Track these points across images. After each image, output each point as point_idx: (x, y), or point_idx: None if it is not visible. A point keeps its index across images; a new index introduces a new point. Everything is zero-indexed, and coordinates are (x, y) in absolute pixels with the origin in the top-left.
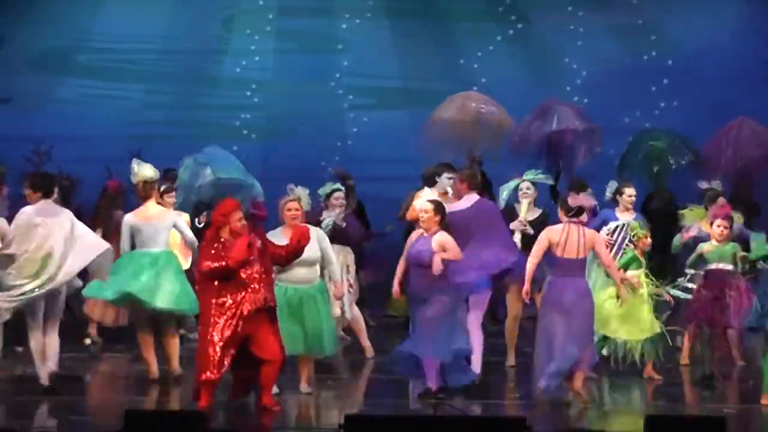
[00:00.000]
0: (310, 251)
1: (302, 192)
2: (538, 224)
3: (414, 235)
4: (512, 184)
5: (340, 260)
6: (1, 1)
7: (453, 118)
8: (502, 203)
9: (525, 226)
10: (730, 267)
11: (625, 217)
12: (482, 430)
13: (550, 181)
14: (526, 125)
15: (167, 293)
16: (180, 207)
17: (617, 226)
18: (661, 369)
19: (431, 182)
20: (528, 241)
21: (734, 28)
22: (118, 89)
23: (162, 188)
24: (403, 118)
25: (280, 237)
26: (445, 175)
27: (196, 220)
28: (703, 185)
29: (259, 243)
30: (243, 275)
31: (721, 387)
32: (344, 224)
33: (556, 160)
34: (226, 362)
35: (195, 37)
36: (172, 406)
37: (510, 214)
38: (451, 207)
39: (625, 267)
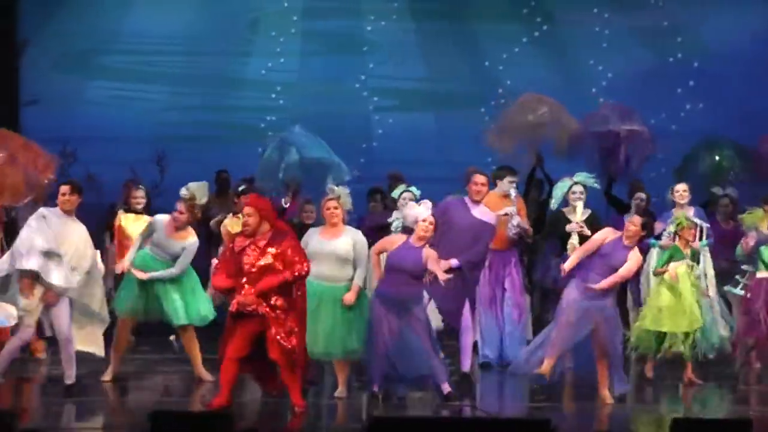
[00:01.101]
0: (342, 248)
1: (342, 191)
2: (589, 225)
3: (389, 242)
4: (564, 185)
5: None
6: (28, 3)
7: (523, 121)
8: (555, 204)
9: (582, 227)
10: None
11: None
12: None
13: (598, 186)
14: (586, 127)
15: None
16: (262, 185)
17: None
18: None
19: (494, 185)
20: (584, 242)
21: (761, 29)
22: (144, 91)
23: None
24: (427, 120)
25: (318, 235)
26: (507, 178)
27: (282, 200)
28: (719, 191)
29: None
30: (239, 274)
31: (747, 390)
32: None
33: (610, 165)
34: (227, 360)
35: (220, 39)
36: (198, 408)
37: (557, 217)
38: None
39: (668, 260)
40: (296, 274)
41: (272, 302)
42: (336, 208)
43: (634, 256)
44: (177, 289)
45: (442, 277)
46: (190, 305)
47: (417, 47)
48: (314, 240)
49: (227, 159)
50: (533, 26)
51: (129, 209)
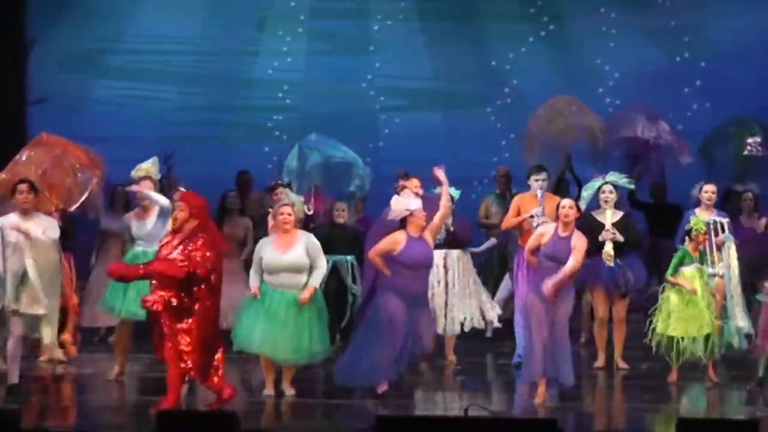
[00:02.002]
0: (298, 257)
1: (296, 198)
2: (622, 227)
3: (394, 242)
4: (595, 184)
5: (461, 263)
6: (35, 3)
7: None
8: (584, 204)
9: (614, 234)
10: None
11: (705, 215)
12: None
13: (632, 185)
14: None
15: None
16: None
17: None
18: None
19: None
20: (618, 247)
21: None
22: (152, 90)
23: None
24: (434, 120)
25: (269, 243)
26: (533, 177)
27: (305, 207)
28: (739, 188)
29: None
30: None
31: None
32: (452, 228)
33: (638, 170)
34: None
35: (227, 39)
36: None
37: (587, 221)
38: None
39: (678, 264)
40: (188, 270)
41: (169, 302)
42: (290, 214)
43: (578, 242)
44: None
45: None
46: None
47: (424, 47)
48: (268, 252)
49: (234, 158)
50: (540, 26)
51: None
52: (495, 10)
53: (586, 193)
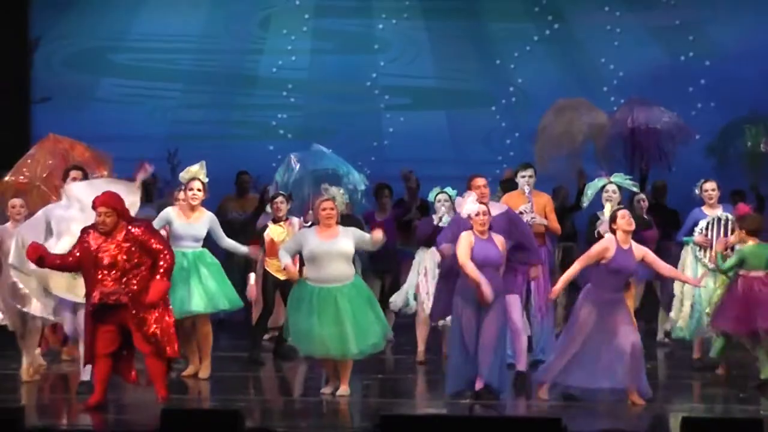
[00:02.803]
0: (346, 245)
1: (337, 191)
2: None
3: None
4: (598, 183)
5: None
6: (40, 2)
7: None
8: (586, 202)
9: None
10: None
11: (712, 212)
12: (518, 430)
13: (636, 189)
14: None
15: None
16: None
17: (708, 223)
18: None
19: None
20: None
21: None
22: (156, 89)
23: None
24: (439, 119)
25: (313, 235)
26: (519, 173)
27: (301, 219)
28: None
29: (128, 238)
30: (95, 267)
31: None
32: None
33: (642, 160)
34: (99, 358)
35: (232, 37)
36: (210, 405)
37: (591, 220)
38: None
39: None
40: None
41: (132, 290)
42: (332, 209)
43: (642, 250)
44: (209, 275)
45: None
46: (221, 291)
47: (428, 46)
48: (313, 242)
49: (238, 157)
50: (545, 25)
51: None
52: (499, 9)
53: (590, 192)
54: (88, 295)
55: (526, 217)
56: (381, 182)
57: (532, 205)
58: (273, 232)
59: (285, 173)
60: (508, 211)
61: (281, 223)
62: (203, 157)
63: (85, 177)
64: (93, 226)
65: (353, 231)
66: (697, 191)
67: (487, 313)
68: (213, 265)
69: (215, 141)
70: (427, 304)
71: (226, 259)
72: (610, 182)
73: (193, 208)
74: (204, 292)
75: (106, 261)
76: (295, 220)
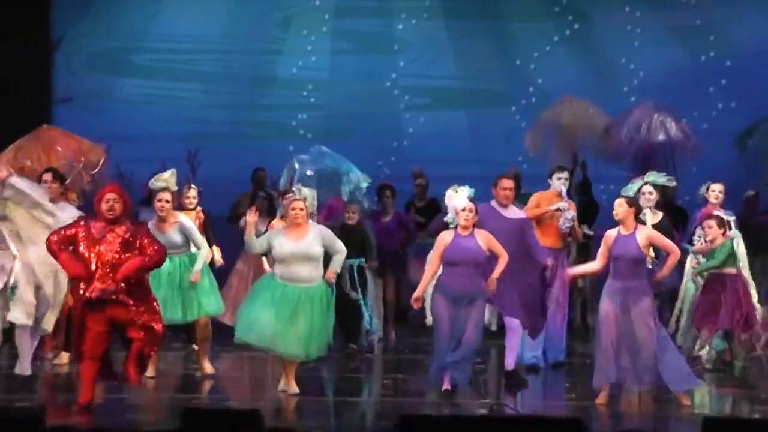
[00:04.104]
0: (313, 248)
1: (309, 192)
2: (662, 228)
3: (448, 236)
4: (635, 185)
5: None
6: (61, 2)
7: (565, 122)
8: None
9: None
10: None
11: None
12: (537, 430)
13: (673, 183)
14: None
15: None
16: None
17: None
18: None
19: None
20: (656, 249)
21: None
22: (176, 89)
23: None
24: (459, 119)
25: (281, 235)
26: (555, 175)
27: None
28: None
29: (130, 235)
30: (92, 262)
31: None
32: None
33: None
34: (88, 360)
35: (252, 38)
36: (230, 405)
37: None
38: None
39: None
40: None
41: (130, 289)
42: (302, 209)
43: (646, 232)
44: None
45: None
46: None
47: (448, 46)
48: (280, 242)
49: (258, 157)
50: (565, 25)
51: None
52: (519, 9)
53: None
54: (81, 288)
55: (567, 214)
56: (383, 183)
57: (567, 205)
58: (276, 226)
59: (288, 174)
60: (525, 221)
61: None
62: (223, 157)
63: (58, 178)
64: (91, 217)
65: (324, 234)
66: (702, 192)
67: (466, 312)
68: (201, 272)
69: (235, 141)
70: None
71: None
72: (646, 183)
73: (163, 219)
74: (181, 300)
75: (107, 257)
76: None
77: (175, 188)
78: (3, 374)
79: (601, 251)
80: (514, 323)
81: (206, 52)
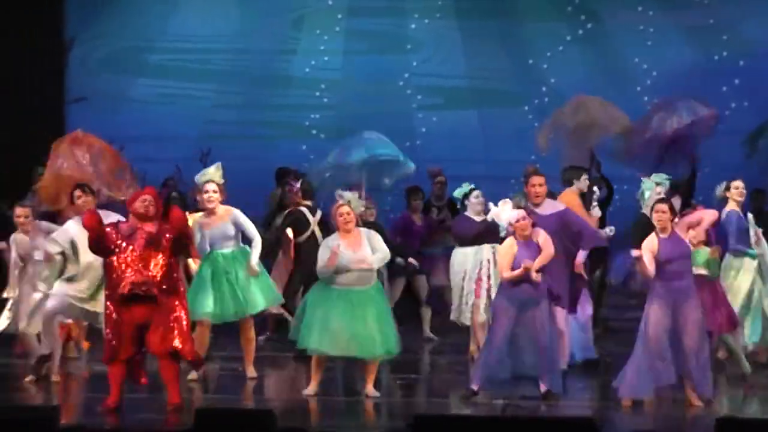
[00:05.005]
0: (370, 255)
1: (351, 196)
2: None
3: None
4: (651, 186)
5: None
6: (75, 2)
7: (578, 122)
8: (644, 204)
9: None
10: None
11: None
12: (551, 430)
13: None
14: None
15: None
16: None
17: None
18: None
19: (569, 184)
20: None
21: None
22: (190, 89)
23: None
24: (471, 118)
25: (336, 242)
26: (584, 176)
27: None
28: None
29: (157, 231)
30: (123, 260)
31: None
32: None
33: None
34: (119, 362)
35: (265, 38)
36: (243, 405)
37: (645, 221)
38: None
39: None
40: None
41: (162, 286)
42: (349, 213)
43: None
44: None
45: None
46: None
47: (461, 45)
48: (343, 254)
49: (271, 157)
50: (577, 24)
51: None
52: (532, 9)
53: (646, 194)
54: (112, 290)
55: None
56: (413, 185)
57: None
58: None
59: (340, 155)
60: (565, 212)
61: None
62: (236, 157)
63: (90, 192)
64: (118, 223)
65: (370, 237)
66: (720, 190)
67: (532, 315)
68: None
69: (248, 141)
70: (483, 304)
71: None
72: (658, 184)
73: (213, 212)
74: (238, 296)
75: (136, 253)
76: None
77: (221, 181)
78: (18, 374)
79: (648, 259)
80: (561, 327)
81: (219, 52)
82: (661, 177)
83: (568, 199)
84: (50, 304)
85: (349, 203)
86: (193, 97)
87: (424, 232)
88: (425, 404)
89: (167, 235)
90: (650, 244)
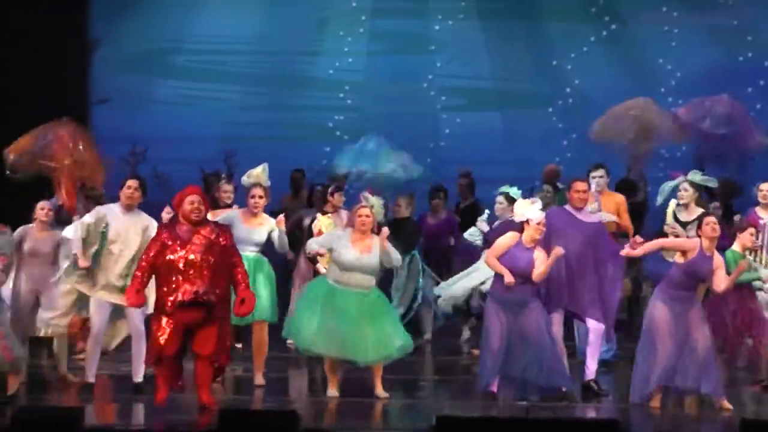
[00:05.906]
0: (377, 262)
1: (376, 200)
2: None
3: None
4: (672, 183)
5: None
6: (99, 3)
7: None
8: (661, 200)
9: (674, 229)
10: None
11: (764, 214)
12: None
13: (714, 183)
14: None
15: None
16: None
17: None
18: None
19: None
20: None
21: None
22: (213, 90)
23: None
24: (495, 120)
25: (346, 241)
26: (591, 174)
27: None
28: None
29: (215, 236)
30: (181, 264)
31: None
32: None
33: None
34: (166, 353)
35: (289, 39)
36: (266, 406)
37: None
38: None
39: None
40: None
41: (216, 291)
42: (368, 216)
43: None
44: (266, 283)
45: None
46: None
47: (484, 46)
48: (344, 248)
49: (295, 158)
50: (601, 25)
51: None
52: (556, 10)
53: (666, 189)
54: (167, 293)
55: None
56: (437, 184)
57: (599, 204)
58: (322, 223)
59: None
60: (600, 225)
61: (329, 214)
62: (260, 158)
63: (142, 188)
64: (170, 222)
65: (383, 247)
66: (754, 191)
67: (526, 318)
68: (268, 276)
69: (271, 142)
70: None
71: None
72: (686, 180)
73: (255, 215)
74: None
75: (192, 257)
76: (344, 213)
77: (267, 183)
78: (40, 375)
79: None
80: (595, 329)
81: (243, 54)
82: (698, 175)
83: (619, 200)
84: (96, 322)
85: (372, 207)
86: (217, 98)
87: (434, 231)
88: (449, 405)
89: (222, 241)
90: (692, 251)
